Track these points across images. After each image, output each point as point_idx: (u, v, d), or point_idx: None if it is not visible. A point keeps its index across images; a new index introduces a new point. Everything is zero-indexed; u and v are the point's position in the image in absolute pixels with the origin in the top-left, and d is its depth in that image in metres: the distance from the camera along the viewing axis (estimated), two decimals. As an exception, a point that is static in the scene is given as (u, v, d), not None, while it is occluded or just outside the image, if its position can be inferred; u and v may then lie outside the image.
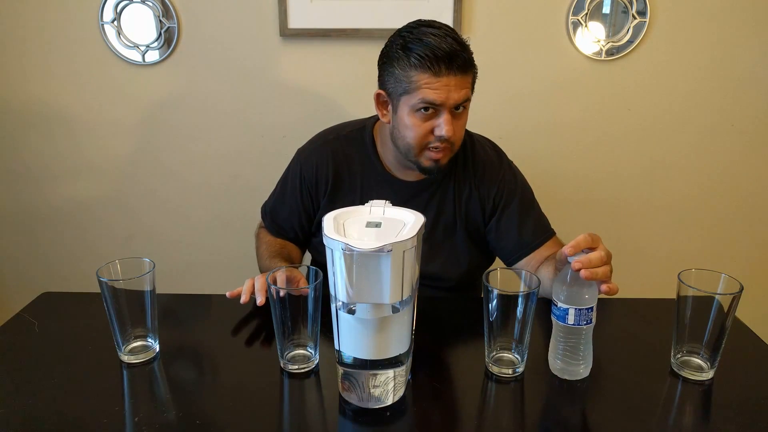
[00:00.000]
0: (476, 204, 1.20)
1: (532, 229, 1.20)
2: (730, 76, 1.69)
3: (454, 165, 1.20)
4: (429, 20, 1.07)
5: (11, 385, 0.85)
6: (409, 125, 1.07)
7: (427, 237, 1.17)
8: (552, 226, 1.24)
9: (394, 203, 1.19)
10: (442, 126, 1.05)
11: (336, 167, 1.21)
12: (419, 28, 1.04)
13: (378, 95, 1.13)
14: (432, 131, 1.06)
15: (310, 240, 1.32)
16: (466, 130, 1.24)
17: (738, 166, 1.78)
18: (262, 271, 1.25)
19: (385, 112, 1.13)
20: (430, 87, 1.02)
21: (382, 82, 1.11)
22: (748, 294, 0.85)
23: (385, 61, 1.09)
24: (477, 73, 1.09)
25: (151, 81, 1.71)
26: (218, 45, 1.68)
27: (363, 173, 1.20)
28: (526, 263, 1.18)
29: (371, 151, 1.20)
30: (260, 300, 1.01)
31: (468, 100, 1.07)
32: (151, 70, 1.70)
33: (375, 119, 1.24)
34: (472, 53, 1.07)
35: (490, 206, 1.20)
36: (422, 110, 1.05)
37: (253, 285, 1.04)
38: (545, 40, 1.66)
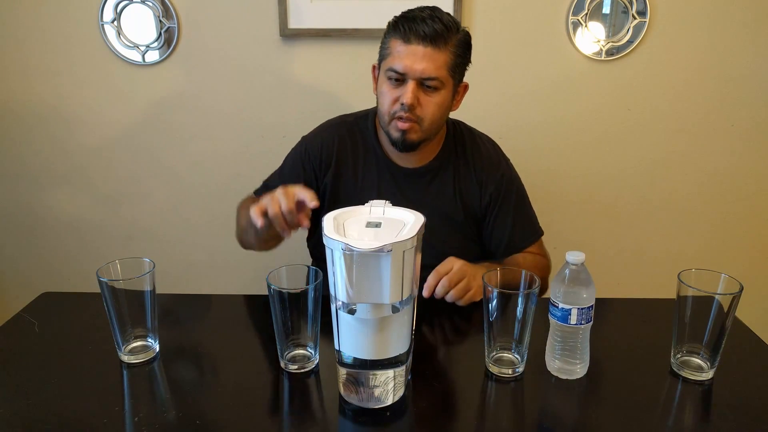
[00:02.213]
0: (475, 195, 1.23)
1: (524, 230, 1.25)
2: (730, 76, 1.69)
3: (454, 155, 1.23)
4: (433, 6, 1.11)
5: (11, 385, 0.85)
6: (382, 92, 1.13)
7: (426, 223, 1.18)
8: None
9: (392, 187, 1.21)
10: (405, 93, 1.08)
11: (339, 149, 1.23)
12: (419, 8, 1.10)
13: (373, 68, 1.19)
14: (398, 99, 1.10)
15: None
16: (467, 125, 1.27)
17: (738, 166, 1.78)
18: (245, 223, 1.19)
19: (375, 84, 1.19)
20: (398, 54, 1.08)
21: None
22: (748, 294, 0.85)
23: (384, 34, 1.14)
24: (461, 57, 1.11)
25: (151, 81, 1.71)
26: (218, 45, 1.68)
27: (364, 157, 1.23)
28: (510, 258, 1.24)
29: (372, 136, 1.23)
30: (260, 223, 0.95)
31: (437, 78, 1.08)
32: (151, 70, 1.70)
33: (377, 108, 1.26)
34: (459, 39, 1.09)
35: (487, 200, 1.23)
36: (392, 79, 1.10)
37: (264, 209, 0.96)
38: (545, 40, 1.66)
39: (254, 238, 1.20)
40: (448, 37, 1.07)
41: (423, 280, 1.02)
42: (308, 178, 1.24)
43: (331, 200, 1.23)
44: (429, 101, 1.10)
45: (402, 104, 1.09)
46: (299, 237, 1.43)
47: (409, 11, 1.10)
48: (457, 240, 1.24)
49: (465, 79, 1.17)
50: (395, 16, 1.11)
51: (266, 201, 0.97)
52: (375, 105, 1.28)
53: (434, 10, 1.09)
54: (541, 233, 1.27)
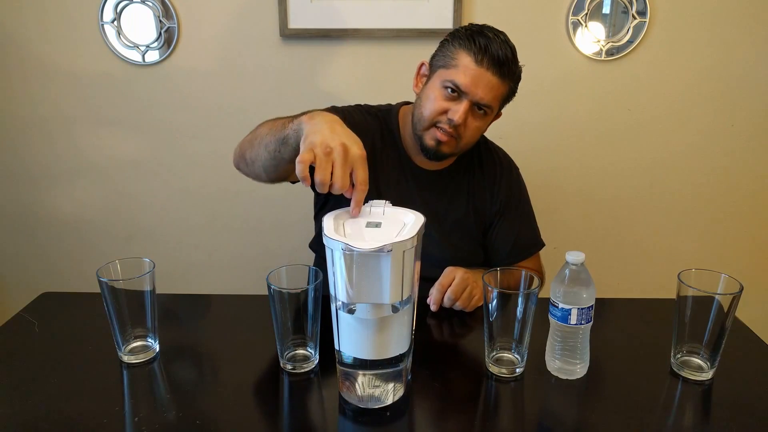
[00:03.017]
0: (487, 201, 1.24)
1: (528, 238, 1.27)
2: (730, 76, 1.69)
3: (470, 161, 1.24)
4: (501, 30, 1.12)
5: (11, 385, 0.85)
6: (431, 97, 1.11)
7: (438, 226, 1.20)
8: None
9: (411, 186, 1.21)
10: (456, 111, 1.08)
11: (366, 135, 1.18)
12: (492, 29, 1.10)
13: (422, 64, 1.18)
14: (446, 112, 1.10)
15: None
16: (485, 137, 1.28)
17: (738, 166, 1.78)
18: (266, 137, 0.99)
19: (418, 82, 1.18)
20: (466, 71, 1.07)
21: (433, 55, 1.16)
22: (748, 294, 0.85)
23: (447, 39, 1.13)
24: (513, 92, 1.14)
25: (151, 81, 1.71)
26: (218, 45, 1.68)
27: (388, 152, 1.21)
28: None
29: (395, 131, 1.22)
30: (308, 182, 0.79)
31: (490, 107, 1.10)
32: (151, 70, 1.70)
33: (400, 105, 1.26)
34: (518, 73, 1.12)
35: (497, 206, 1.24)
36: (448, 89, 1.09)
37: (311, 162, 0.78)
38: (545, 40, 1.66)
39: (266, 162, 1.01)
40: (514, 68, 1.09)
41: (424, 285, 1.02)
42: None
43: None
44: (473, 124, 1.11)
45: (450, 119, 1.09)
46: (299, 237, 1.43)
47: (480, 29, 1.09)
48: (466, 243, 1.24)
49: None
50: (467, 29, 1.10)
51: (319, 153, 0.77)
52: (385, 103, 1.28)
53: (505, 36, 1.09)
54: (543, 245, 1.29)
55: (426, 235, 0.77)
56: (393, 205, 0.83)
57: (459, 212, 1.23)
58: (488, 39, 1.06)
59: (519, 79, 1.14)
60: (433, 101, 1.10)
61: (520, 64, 1.12)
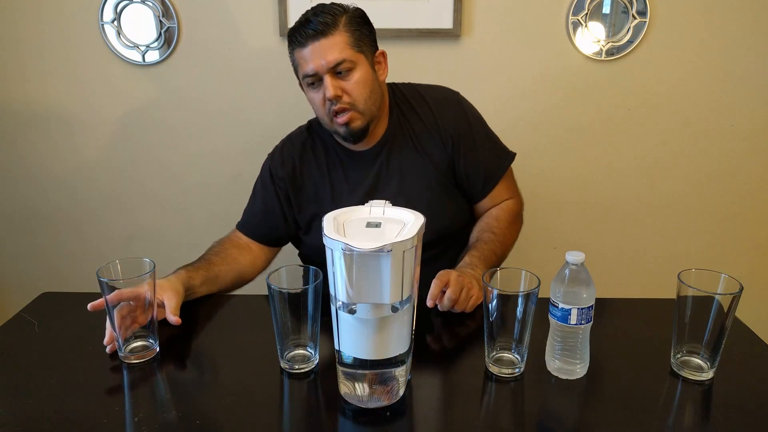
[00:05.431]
0: (438, 144, 1.22)
1: (497, 157, 1.27)
2: (730, 76, 1.69)
3: (402, 117, 1.24)
4: (318, 3, 1.15)
5: (11, 385, 0.85)
6: (311, 101, 1.17)
7: (403, 193, 1.20)
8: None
9: (360, 175, 1.21)
10: (326, 90, 1.11)
11: (301, 155, 1.25)
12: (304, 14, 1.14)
13: (301, 87, 1.21)
14: (325, 98, 1.13)
15: (292, 238, 1.33)
16: (409, 83, 1.29)
17: (738, 166, 1.78)
18: None
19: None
20: (302, 59, 1.12)
21: None
22: (748, 294, 0.85)
23: None
24: (358, 31, 1.13)
25: (151, 81, 1.71)
26: (218, 45, 1.68)
27: (326, 155, 1.25)
28: (491, 200, 1.28)
29: (329, 137, 1.24)
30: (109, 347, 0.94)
31: (345, 60, 1.10)
32: (151, 70, 1.70)
33: None
34: (345, 19, 1.11)
35: (450, 143, 1.22)
36: (310, 84, 1.14)
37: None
38: (545, 40, 1.66)
39: (222, 290, 1.19)
40: (335, 21, 1.10)
41: (423, 272, 1.01)
42: (282, 197, 1.26)
43: (310, 207, 1.25)
44: (350, 84, 1.12)
45: (328, 101, 1.11)
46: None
47: (298, 20, 1.13)
48: (442, 204, 1.23)
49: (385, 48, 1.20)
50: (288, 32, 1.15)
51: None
52: None
53: (316, 7, 1.12)
54: (513, 155, 1.28)
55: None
56: (361, 197, 0.83)
57: (418, 172, 1.21)
58: (299, 25, 1.11)
59: (356, 17, 1.13)
60: (313, 101, 1.15)
61: (348, 7, 1.13)
